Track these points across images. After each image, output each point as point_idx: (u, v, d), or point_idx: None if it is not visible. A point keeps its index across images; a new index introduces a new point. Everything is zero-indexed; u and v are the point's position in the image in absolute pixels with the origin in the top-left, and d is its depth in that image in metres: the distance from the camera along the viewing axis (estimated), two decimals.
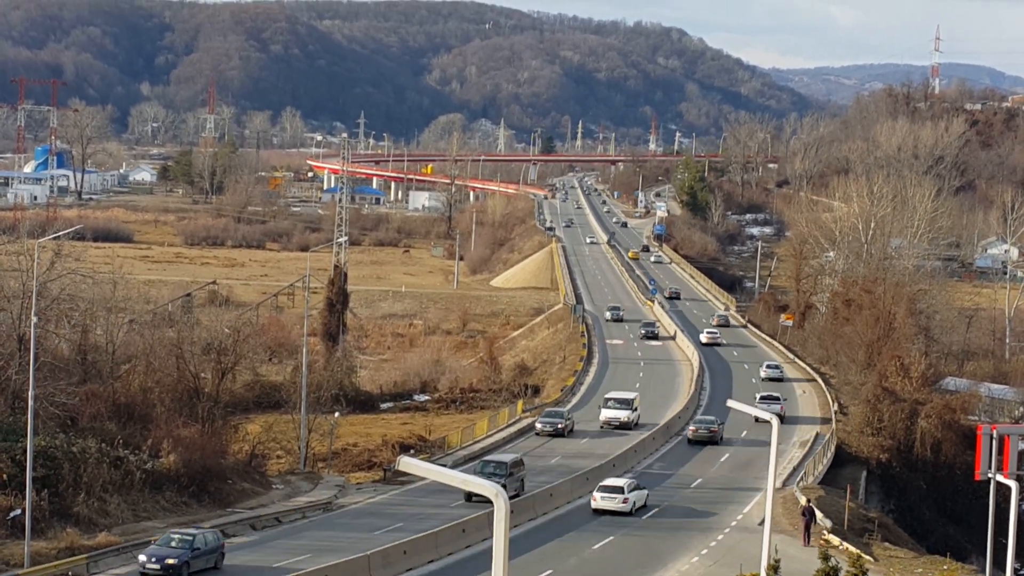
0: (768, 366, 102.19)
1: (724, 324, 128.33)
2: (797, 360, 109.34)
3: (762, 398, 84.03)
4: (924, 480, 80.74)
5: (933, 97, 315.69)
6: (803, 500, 57.90)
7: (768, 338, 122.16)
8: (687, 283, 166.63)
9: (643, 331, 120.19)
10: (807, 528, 53.86)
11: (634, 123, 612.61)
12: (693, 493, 64.92)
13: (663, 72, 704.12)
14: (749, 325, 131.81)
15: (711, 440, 77.18)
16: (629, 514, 58.36)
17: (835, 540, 52.60)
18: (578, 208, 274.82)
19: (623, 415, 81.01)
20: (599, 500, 59.16)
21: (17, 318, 61.48)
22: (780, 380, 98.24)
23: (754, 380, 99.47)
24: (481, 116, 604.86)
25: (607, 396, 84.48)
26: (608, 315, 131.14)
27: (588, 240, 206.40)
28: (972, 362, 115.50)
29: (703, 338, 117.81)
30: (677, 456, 74.59)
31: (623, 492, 59.30)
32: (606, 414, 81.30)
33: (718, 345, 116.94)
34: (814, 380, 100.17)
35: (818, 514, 57.38)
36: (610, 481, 60.73)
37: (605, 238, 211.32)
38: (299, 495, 64.07)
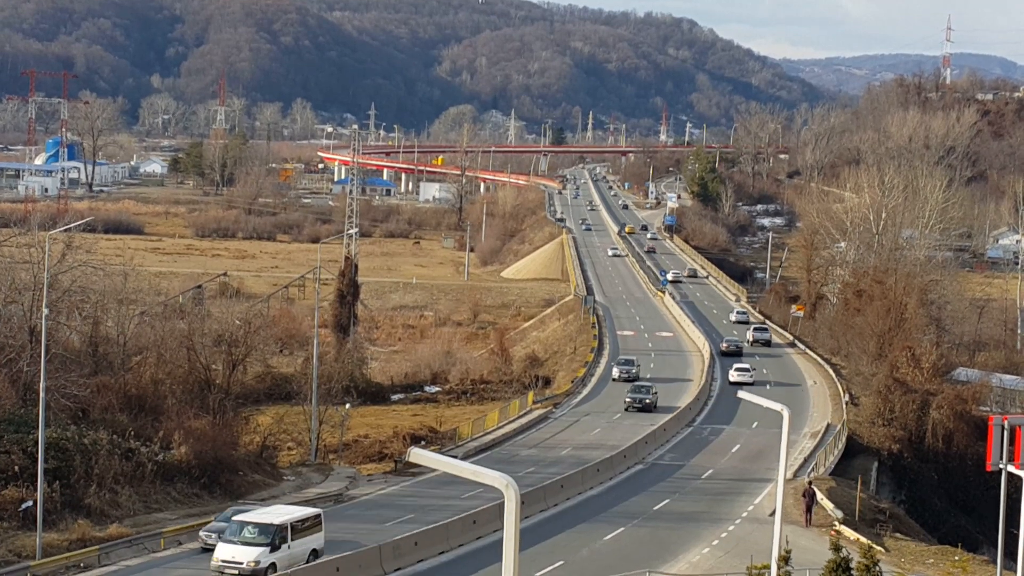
0: (738, 312, 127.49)
1: (692, 275, 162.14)
2: (808, 351, 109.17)
3: (755, 328, 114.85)
4: (935, 471, 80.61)
5: (944, 87, 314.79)
6: (805, 481, 58.27)
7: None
8: (671, 249, 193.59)
9: (629, 399, 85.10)
10: (808, 510, 55.15)
11: (645, 114, 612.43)
12: (704, 484, 64.91)
13: (674, 63, 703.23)
14: (710, 277, 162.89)
15: (738, 352, 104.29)
16: (752, 384, 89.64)
17: (847, 531, 52.57)
18: (592, 208, 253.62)
19: (247, 559, 44.25)
20: (735, 375, 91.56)
21: (28, 310, 61.64)
22: (747, 323, 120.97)
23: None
24: (491, 107, 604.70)
25: (235, 516, 47.08)
26: (616, 373, 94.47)
27: (611, 252, 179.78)
28: (983, 353, 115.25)
29: (669, 276, 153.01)
30: (688, 447, 74.61)
31: (751, 370, 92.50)
32: (221, 553, 44.77)
33: (679, 282, 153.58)
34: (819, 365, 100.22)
35: (819, 495, 58.07)
36: (739, 365, 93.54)
37: (616, 229, 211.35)
38: (310, 487, 64.13)
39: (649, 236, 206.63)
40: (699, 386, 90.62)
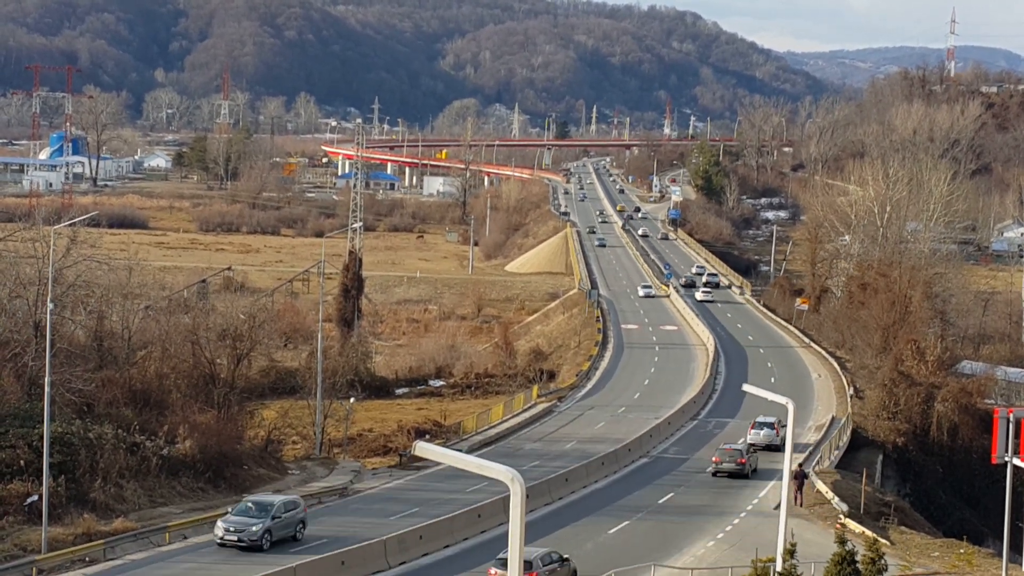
0: (697, 266, 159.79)
1: (664, 238, 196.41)
2: (812, 344, 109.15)
3: (709, 274, 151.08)
4: (940, 464, 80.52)
5: (949, 80, 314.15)
6: (794, 465, 58.97)
7: (776, 316, 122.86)
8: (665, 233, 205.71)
9: None
10: (799, 490, 56.73)
11: (648, 107, 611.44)
12: (709, 477, 64.86)
13: (677, 56, 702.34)
14: (679, 240, 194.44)
15: (692, 284, 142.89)
16: (713, 302, 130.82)
17: (852, 524, 52.56)
18: (604, 220, 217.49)
19: None
20: (700, 295, 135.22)
21: (33, 305, 61.65)
22: (702, 274, 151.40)
23: (769, 363, 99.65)
24: (495, 101, 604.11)
25: None
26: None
27: (643, 291, 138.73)
28: (988, 345, 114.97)
29: (640, 231, 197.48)
30: (693, 440, 74.60)
31: (712, 291, 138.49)
32: None
33: (647, 237, 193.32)
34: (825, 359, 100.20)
35: (812, 476, 59.69)
36: (704, 288, 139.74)
37: (625, 232, 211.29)
38: (315, 481, 64.18)
39: (640, 215, 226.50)
40: (704, 380, 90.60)
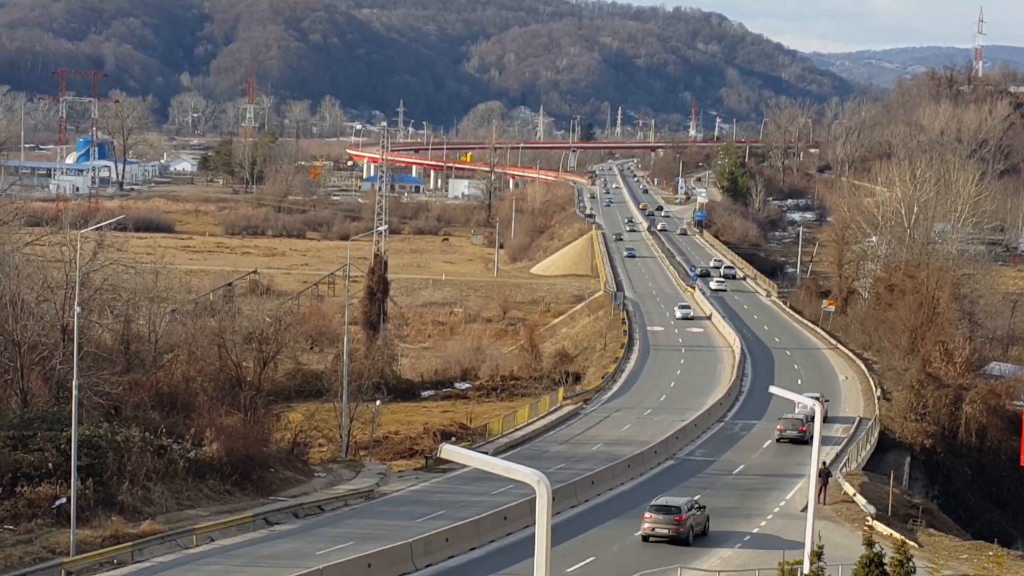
0: (715, 260, 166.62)
1: (683, 233, 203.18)
2: (839, 346, 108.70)
3: (725, 267, 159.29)
4: (969, 466, 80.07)
5: (976, 80, 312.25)
6: (820, 463, 58.96)
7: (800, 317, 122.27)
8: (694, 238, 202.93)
9: None
10: (823, 489, 56.63)
11: (674, 109, 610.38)
12: (735, 480, 64.68)
13: (703, 57, 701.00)
14: (698, 236, 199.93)
15: (707, 274, 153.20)
16: (726, 291, 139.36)
17: (880, 526, 52.30)
18: (632, 229, 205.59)
19: None
20: (714, 284, 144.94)
21: (61, 308, 61.95)
22: (719, 267, 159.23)
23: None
24: (520, 103, 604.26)
25: None
26: None
27: (680, 312, 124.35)
28: (1017, 347, 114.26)
29: (659, 226, 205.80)
30: (719, 442, 74.37)
31: (725, 280, 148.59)
32: None
33: (665, 231, 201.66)
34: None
35: (839, 477, 59.57)
36: (717, 278, 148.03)
37: (650, 234, 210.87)
38: (341, 483, 64.26)
39: (663, 214, 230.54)
40: (730, 382, 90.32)
